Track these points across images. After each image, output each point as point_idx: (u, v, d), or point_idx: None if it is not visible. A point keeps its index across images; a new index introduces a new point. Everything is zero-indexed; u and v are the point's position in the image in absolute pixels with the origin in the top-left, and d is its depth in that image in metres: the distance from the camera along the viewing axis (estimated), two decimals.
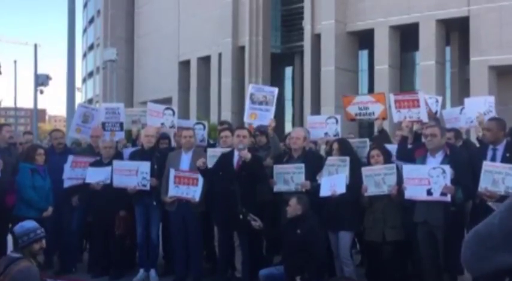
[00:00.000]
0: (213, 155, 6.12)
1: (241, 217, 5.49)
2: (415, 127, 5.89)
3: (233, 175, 5.71)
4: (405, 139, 5.70)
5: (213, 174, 5.92)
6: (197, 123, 7.26)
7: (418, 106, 5.86)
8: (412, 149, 5.54)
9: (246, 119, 6.55)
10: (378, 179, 5.38)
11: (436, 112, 6.53)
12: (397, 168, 5.39)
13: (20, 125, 72.55)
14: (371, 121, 7.05)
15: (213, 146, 6.78)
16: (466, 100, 6.86)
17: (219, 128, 7.14)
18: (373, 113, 6.47)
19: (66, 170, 6.58)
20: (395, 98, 6.06)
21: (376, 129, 6.87)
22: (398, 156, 5.70)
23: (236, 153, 5.75)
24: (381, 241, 5.37)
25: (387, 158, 5.60)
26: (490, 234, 1.34)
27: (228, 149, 6.08)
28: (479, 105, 6.28)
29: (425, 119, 5.83)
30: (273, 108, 6.50)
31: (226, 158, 5.87)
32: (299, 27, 28.56)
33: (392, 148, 5.89)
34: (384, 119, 6.54)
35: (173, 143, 7.11)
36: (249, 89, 6.77)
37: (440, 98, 6.93)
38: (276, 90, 6.72)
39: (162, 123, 6.86)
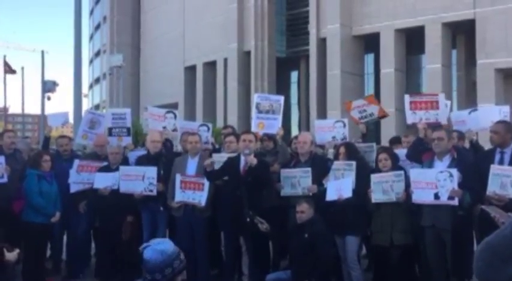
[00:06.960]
0: (219, 160, 6.10)
1: (248, 219, 5.47)
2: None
3: (239, 179, 5.70)
4: (420, 140, 5.66)
5: (218, 177, 5.92)
6: (201, 125, 7.27)
7: (437, 108, 5.79)
8: (420, 153, 5.50)
9: (254, 128, 6.53)
10: (386, 186, 5.34)
11: None
12: (405, 172, 5.37)
13: (27, 131, 72.82)
14: (373, 122, 7.18)
15: (218, 150, 6.78)
16: (481, 108, 6.83)
17: (223, 132, 7.13)
18: (373, 113, 6.66)
19: (72, 175, 6.59)
20: (410, 100, 5.96)
21: (382, 130, 6.88)
22: (409, 155, 5.68)
23: (242, 158, 5.74)
24: (389, 245, 5.34)
25: (395, 162, 5.58)
26: (502, 245, 1.33)
27: (233, 154, 6.07)
28: (494, 115, 6.10)
29: (444, 121, 5.76)
30: (280, 117, 6.51)
31: (232, 162, 5.86)
32: (304, 31, 28.60)
33: (401, 152, 5.88)
34: (384, 116, 6.83)
35: (179, 148, 7.12)
36: (255, 98, 6.78)
37: (448, 103, 6.92)
38: (282, 98, 6.72)
39: (164, 127, 6.89)
